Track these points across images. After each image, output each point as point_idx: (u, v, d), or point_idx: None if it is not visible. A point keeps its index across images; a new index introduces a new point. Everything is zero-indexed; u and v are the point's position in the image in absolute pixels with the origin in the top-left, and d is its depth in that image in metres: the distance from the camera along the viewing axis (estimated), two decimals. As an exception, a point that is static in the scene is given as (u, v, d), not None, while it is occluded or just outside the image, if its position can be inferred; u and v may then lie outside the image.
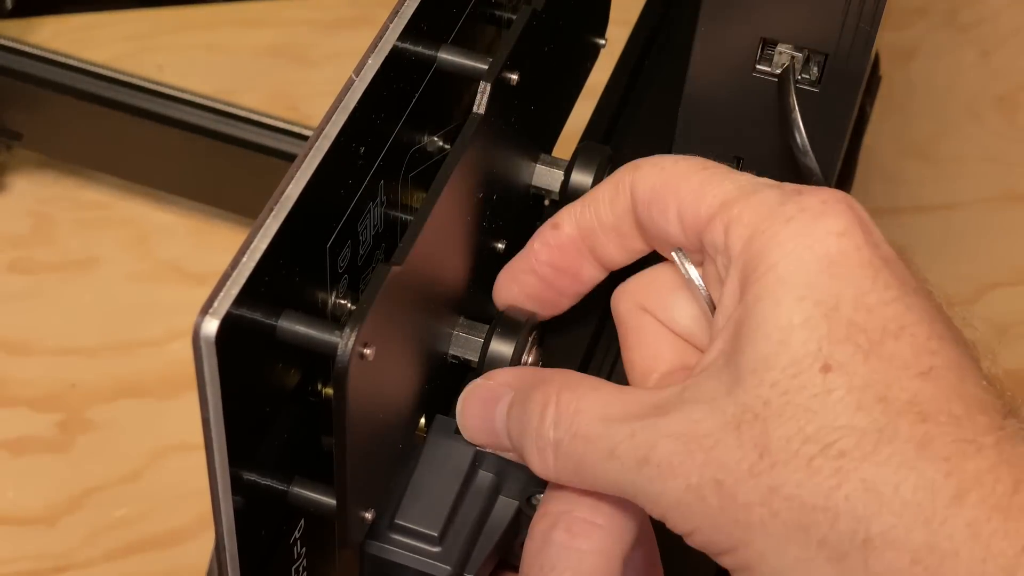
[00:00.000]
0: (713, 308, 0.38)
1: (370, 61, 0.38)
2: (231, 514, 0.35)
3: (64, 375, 0.73)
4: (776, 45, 0.45)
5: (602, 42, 0.53)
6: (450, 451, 0.41)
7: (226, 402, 0.33)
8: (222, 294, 0.32)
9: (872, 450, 0.32)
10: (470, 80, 0.41)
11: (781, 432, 0.32)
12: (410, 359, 0.39)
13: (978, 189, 0.83)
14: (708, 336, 0.39)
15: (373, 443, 0.37)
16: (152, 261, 0.78)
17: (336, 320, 0.38)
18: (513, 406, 0.38)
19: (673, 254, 0.38)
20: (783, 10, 0.44)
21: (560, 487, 0.38)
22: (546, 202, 0.49)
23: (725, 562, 0.34)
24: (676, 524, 0.34)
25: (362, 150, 0.38)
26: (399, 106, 0.39)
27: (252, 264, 0.33)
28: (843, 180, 0.71)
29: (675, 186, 0.38)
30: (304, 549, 0.40)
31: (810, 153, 0.44)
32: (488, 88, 0.40)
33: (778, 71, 0.45)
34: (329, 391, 0.38)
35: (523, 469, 0.40)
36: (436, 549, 0.39)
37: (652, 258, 0.41)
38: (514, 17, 0.43)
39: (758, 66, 0.45)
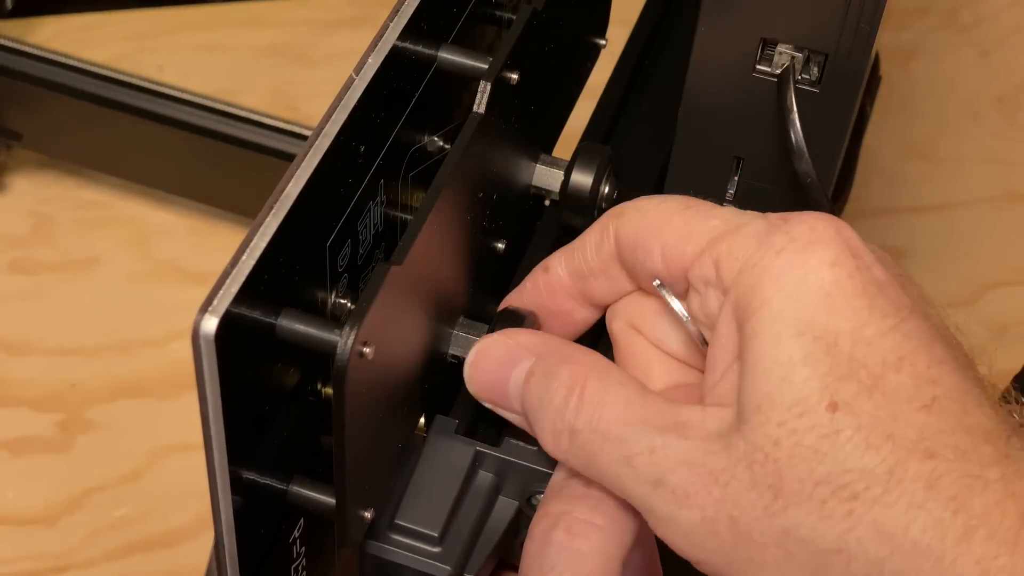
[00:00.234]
0: (701, 338, 0.38)
1: (370, 60, 0.38)
2: (230, 513, 0.35)
3: (64, 375, 0.73)
4: (776, 45, 0.45)
5: (602, 42, 0.53)
6: (450, 451, 0.41)
7: (225, 401, 0.33)
8: (221, 292, 0.32)
9: (882, 492, 0.32)
10: (470, 80, 0.41)
11: (794, 474, 0.33)
12: (410, 358, 0.39)
13: (978, 189, 0.83)
14: (699, 360, 0.40)
15: (372, 442, 0.37)
16: (152, 261, 0.78)
17: (336, 319, 0.38)
18: (534, 375, 0.38)
19: (655, 285, 0.39)
20: (783, 10, 0.44)
21: (561, 487, 0.38)
22: (546, 202, 0.49)
23: None
24: (684, 549, 0.35)
25: (362, 149, 0.38)
26: (399, 105, 0.39)
27: (252, 263, 0.33)
28: (843, 180, 0.71)
29: (658, 227, 0.38)
30: (303, 548, 0.40)
31: (805, 155, 0.44)
32: (488, 88, 0.40)
33: (778, 71, 0.45)
34: (329, 390, 0.38)
35: (523, 469, 0.40)
36: (436, 549, 0.39)
37: None
38: (514, 17, 0.43)
39: (758, 66, 0.45)
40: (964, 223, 0.81)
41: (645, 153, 0.54)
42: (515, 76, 0.42)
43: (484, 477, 0.41)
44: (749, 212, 0.37)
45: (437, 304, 0.40)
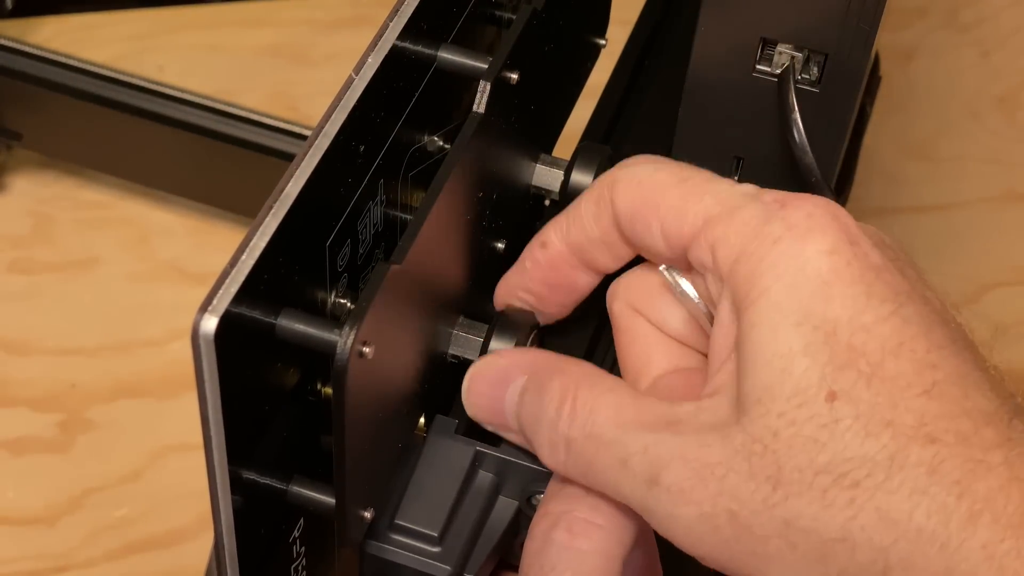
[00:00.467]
0: (709, 320, 0.38)
1: (370, 60, 0.38)
2: (230, 513, 0.35)
3: (64, 375, 0.73)
4: (776, 45, 0.45)
5: (602, 42, 0.53)
6: (450, 451, 0.41)
7: (225, 400, 0.33)
8: (221, 292, 0.32)
9: (884, 478, 0.32)
10: (470, 79, 0.41)
11: (793, 464, 0.33)
12: (409, 358, 0.39)
13: (978, 189, 0.83)
14: (700, 341, 0.40)
15: (372, 442, 0.37)
16: (152, 261, 0.78)
17: (335, 319, 0.37)
18: (527, 392, 0.38)
19: (663, 272, 0.38)
20: (783, 10, 0.44)
21: (561, 487, 0.38)
22: (546, 202, 0.49)
23: None
24: (686, 547, 0.35)
25: (362, 149, 0.38)
26: (399, 105, 0.39)
27: (251, 262, 0.33)
28: (843, 180, 0.71)
29: (655, 202, 0.38)
30: (303, 548, 0.40)
31: (809, 152, 0.44)
32: (488, 87, 0.40)
33: (778, 71, 0.45)
34: (328, 390, 0.38)
35: (523, 469, 0.40)
36: (436, 549, 0.39)
37: None
38: (514, 17, 0.43)
39: (758, 66, 0.45)
40: (964, 223, 0.81)
41: (645, 153, 0.53)
42: (515, 76, 0.42)
43: (484, 477, 0.41)
44: (745, 189, 0.37)
45: (437, 304, 0.40)
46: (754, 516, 0.33)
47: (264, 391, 0.36)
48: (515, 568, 0.41)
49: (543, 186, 0.47)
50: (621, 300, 0.41)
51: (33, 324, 0.75)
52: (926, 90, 0.88)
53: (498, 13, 0.45)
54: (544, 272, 0.42)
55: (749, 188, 0.37)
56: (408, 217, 0.42)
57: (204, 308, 0.32)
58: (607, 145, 0.51)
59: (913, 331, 0.34)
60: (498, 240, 0.45)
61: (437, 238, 0.38)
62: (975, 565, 0.31)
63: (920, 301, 0.35)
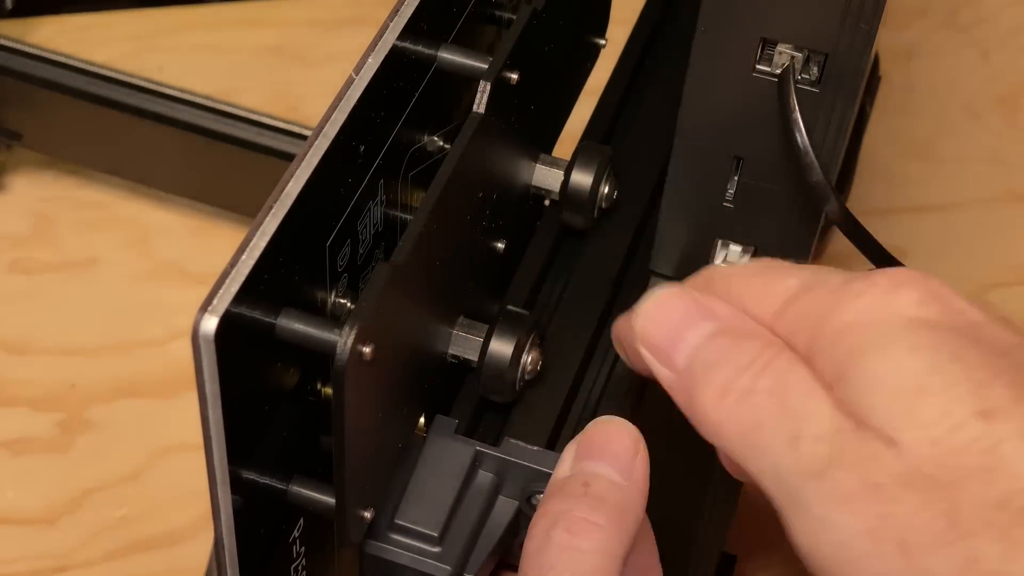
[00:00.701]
0: None
1: (370, 60, 0.38)
2: (230, 513, 0.35)
3: (64, 375, 0.73)
4: (776, 45, 0.45)
5: (602, 42, 0.53)
6: (450, 451, 0.41)
7: (225, 400, 0.33)
8: (221, 292, 0.32)
9: None
10: (470, 79, 0.41)
11: (966, 498, 0.31)
12: (410, 358, 0.39)
13: (978, 189, 0.83)
14: None
15: (372, 442, 0.37)
16: (152, 261, 0.78)
17: (336, 319, 0.37)
18: (720, 335, 0.36)
19: None
20: (783, 10, 0.44)
21: (561, 486, 0.38)
22: (546, 202, 0.49)
23: None
24: (829, 565, 0.32)
25: (362, 149, 0.38)
26: (399, 105, 0.39)
27: (251, 262, 0.33)
28: (843, 180, 0.71)
29: (739, 296, 0.37)
30: (303, 548, 0.40)
31: (809, 152, 0.43)
32: (488, 87, 0.40)
33: (778, 71, 0.45)
34: (328, 390, 0.38)
35: (523, 469, 0.40)
36: (436, 549, 0.39)
37: None
38: (514, 17, 0.43)
39: (758, 66, 0.45)
40: (964, 223, 0.81)
41: (645, 153, 0.53)
42: (515, 76, 0.42)
43: (484, 477, 0.41)
44: (827, 268, 0.36)
45: (437, 304, 0.40)
46: (930, 552, 0.31)
47: (264, 391, 0.36)
48: (515, 568, 0.41)
49: (543, 186, 0.47)
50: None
51: (33, 324, 0.75)
52: (926, 90, 0.88)
53: (498, 13, 0.45)
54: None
55: (832, 269, 0.36)
56: (408, 217, 0.42)
57: (204, 308, 0.32)
58: (607, 145, 0.51)
59: None
60: (498, 240, 0.45)
61: (437, 238, 0.38)
62: None
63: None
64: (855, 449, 0.32)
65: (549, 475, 0.39)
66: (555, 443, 0.44)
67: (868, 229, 0.44)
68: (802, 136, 0.44)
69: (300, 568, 0.40)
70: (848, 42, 0.43)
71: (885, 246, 0.44)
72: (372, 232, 0.40)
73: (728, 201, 0.48)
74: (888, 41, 0.88)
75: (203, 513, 0.66)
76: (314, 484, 0.38)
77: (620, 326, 0.41)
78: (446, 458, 0.41)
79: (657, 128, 0.53)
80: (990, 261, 0.79)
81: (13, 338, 0.75)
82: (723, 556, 0.49)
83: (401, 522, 0.39)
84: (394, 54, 0.38)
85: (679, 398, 0.36)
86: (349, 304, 0.39)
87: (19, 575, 0.66)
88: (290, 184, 0.35)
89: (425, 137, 0.42)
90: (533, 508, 0.40)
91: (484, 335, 0.42)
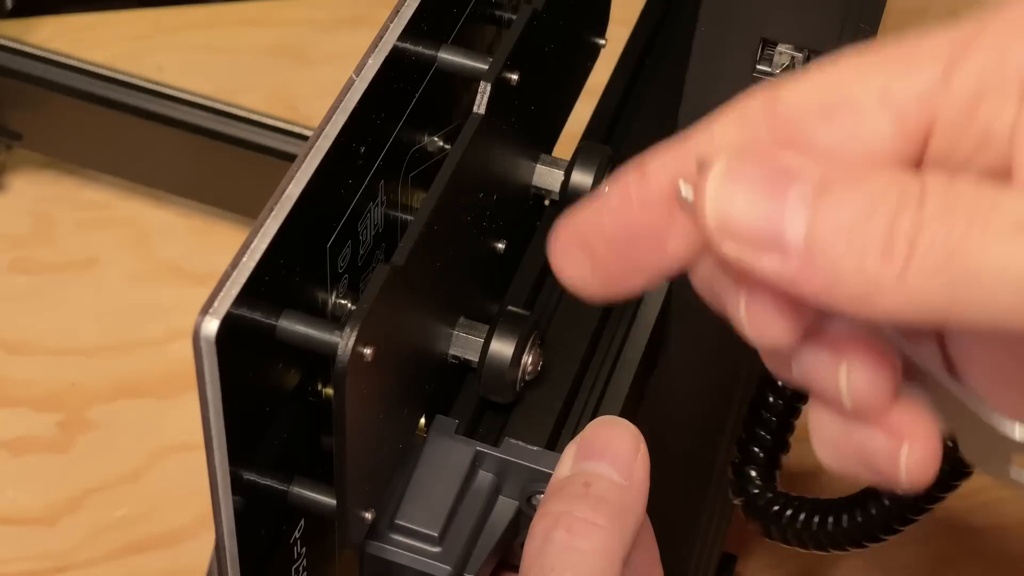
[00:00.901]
0: None
1: (370, 61, 0.38)
2: (231, 514, 0.35)
3: (64, 375, 0.73)
4: (776, 45, 0.45)
5: (602, 42, 0.53)
6: (450, 451, 0.41)
7: (226, 402, 0.33)
8: (222, 294, 0.32)
9: None
10: (470, 80, 0.41)
11: None
12: (410, 359, 0.39)
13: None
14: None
15: (373, 443, 0.37)
16: (152, 261, 0.78)
17: (336, 320, 0.38)
18: (833, 193, 0.26)
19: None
20: (783, 10, 0.44)
21: (561, 487, 0.38)
22: (546, 202, 0.49)
23: None
24: None
25: (362, 150, 0.38)
26: (399, 106, 0.40)
27: (252, 264, 0.33)
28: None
29: (867, 69, 0.28)
30: (304, 549, 0.40)
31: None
32: (488, 88, 0.40)
33: (778, 71, 0.45)
34: (329, 391, 0.38)
35: (523, 469, 0.40)
36: (436, 549, 0.39)
37: None
38: (514, 17, 0.43)
39: (758, 66, 0.45)
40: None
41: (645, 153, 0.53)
42: (515, 76, 0.42)
43: (484, 477, 0.41)
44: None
45: (437, 304, 0.40)
46: None
47: (265, 392, 0.36)
48: (515, 568, 0.41)
49: (543, 186, 0.47)
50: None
51: (33, 324, 0.75)
52: (926, 90, 0.87)
53: (498, 13, 0.45)
54: (630, 214, 0.30)
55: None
56: (408, 218, 0.42)
57: (205, 310, 0.32)
58: (607, 145, 0.51)
59: None
60: (498, 240, 0.45)
61: (437, 239, 0.38)
62: None
63: None
64: None
65: (549, 475, 0.39)
66: (555, 443, 0.44)
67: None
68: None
69: (301, 569, 0.40)
70: (848, 42, 0.43)
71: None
72: (372, 233, 0.40)
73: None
74: (888, 41, 0.88)
75: (203, 513, 0.66)
76: (315, 485, 0.38)
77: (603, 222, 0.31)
78: (446, 458, 0.41)
79: (657, 128, 0.53)
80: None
81: (13, 338, 0.75)
82: (723, 556, 0.50)
83: (401, 522, 0.39)
84: (394, 55, 0.38)
85: (808, 287, 0.27)
86: (350, 305, 0.39)
87: (19, 575, 0.66)
88: (291, 186, 0.35)
89: (425, 138, 0.42)
90: (533, 508, 0.40)
91: (484, 335, 0.42)
